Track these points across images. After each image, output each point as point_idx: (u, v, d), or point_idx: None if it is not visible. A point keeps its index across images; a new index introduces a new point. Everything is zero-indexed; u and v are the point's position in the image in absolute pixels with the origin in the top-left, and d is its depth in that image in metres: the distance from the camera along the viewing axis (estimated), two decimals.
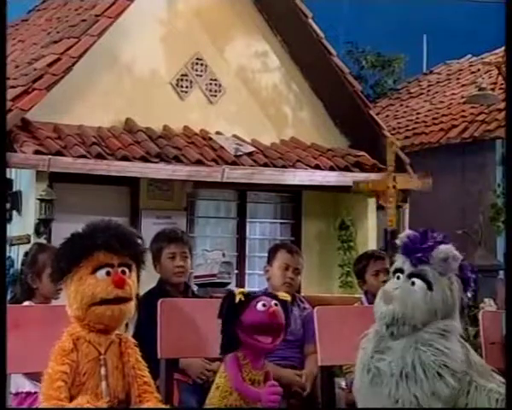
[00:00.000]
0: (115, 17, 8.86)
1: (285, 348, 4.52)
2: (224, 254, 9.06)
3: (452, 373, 2.95)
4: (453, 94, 13.14)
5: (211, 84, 9.63)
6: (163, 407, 3.10)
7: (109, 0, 9.03)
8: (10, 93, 7.94)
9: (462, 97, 12.23)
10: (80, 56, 8.57)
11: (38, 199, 8.07)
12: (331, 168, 9.47)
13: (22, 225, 8.31)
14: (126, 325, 3.20)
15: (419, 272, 3.08)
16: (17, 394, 4.01)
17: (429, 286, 3.06)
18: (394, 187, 8.24)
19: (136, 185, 9.11)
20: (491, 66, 12.06)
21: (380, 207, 10.06)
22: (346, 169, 9.55)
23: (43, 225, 8.10)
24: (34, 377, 3.69)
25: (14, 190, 8.41)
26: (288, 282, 4.80)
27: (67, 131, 8.41)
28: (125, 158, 8.32)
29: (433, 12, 19.12)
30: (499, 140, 10.85)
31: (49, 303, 4.20)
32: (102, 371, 2.90)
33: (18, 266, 7.49)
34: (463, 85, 13.35)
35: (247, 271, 10.00)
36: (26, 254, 4.51)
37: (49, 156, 7.92)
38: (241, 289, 3.46)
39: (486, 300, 7.24)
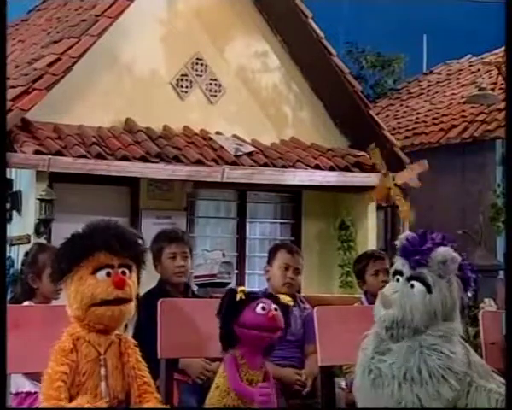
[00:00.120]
0: (115, 17, 8.86)
1: (285, 348, 4.52)
2: (223, 254, 9.06)
3: (456, 376, 2.95)
4: (453, 94, 13.14)
5: (211, 84, 9.63)
6: (163, 407, 3.10)
7: (109, 0, 9.03)
8: (10, 93, 7.94)
9: (462, 97, 12.23)
10: (80, 56, 8.57)
11: (38, 199, 8.07)
12: (331, 168, 9.47)
13: (22, 225, 8.31)
14: (126, 325, 3.20)
15: (418, 275, 3.08)
16: (17, 394, 4.01)
17: (428, 289, 3.05)
18: (395, 184, 8.25)
19: (136, 185, 9.11)
20: (491, 66, 12.07)
21: (380, 207, 10.08)
22: (346, 169, 9.55)
23: (43, 225, 8.10)
24: (34, 377, 3.69)
25: (14, 190, 8.41)
26: (289, 282, 4.80)
27: (67, 131, 8.41)
28: (125, 158, 8.32)
29: (433, 12, 19.13)
30: (499, 140, 10.85)
31: (50, 303, 4.20)
32: (102, 371, 2.90)
33: (18, 266, 7.50)
34: (463, 85, 13.35)
35: (247, 271, 10.00)
36: (27, 254, 4.51)
37: (49, 156, 7.92)
38: (243, 288, 3.46)
39: (486, 300, 7.24)
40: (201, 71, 9.57)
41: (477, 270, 3.27)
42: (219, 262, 8.84)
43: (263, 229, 10.32)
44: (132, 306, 3.00)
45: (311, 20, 9.87)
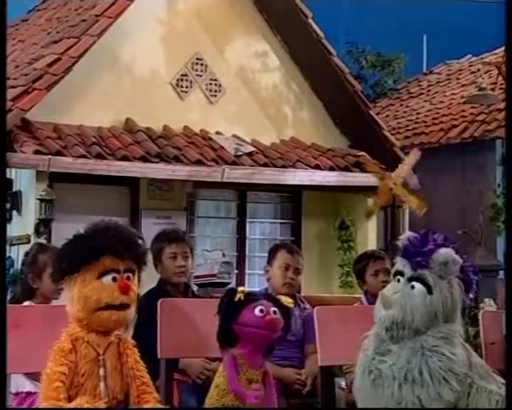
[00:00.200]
0: (115, 17, 8.86)
1: (285, 348, 4.52)
2: (223, 254, 9.06)
3: (457, 378, 2.95)
4: (453, 94, 13.14)
5: (211, 84, 9.63)
6: (162, 407, 3.10)
7: (109, 0, 9.02)
8: (10, 93, 7.94)
9: (462, 97, 12.23)
10: (80, 56, 8.57)
11: (38, 199, 8.06)
12: (331, 168, 9.47)
13: (22, 225, 8.31)
14: (126, 325, 3.20)
15: (419, 276, 3.07)
16: (17, 394, 4.01)
17: (429, 290, 3.05)
18: (391, 189, 8.25)
19: (136, 185, 9.11)
20: (491, 66, 12.07)
21: (380, 207, 10.07)
22: (346, 169, 9.55)
23: (43, 225, 8.10)
24: (34, 376, 3.69)
25: (14, 190, 8.41)
26: (289, 282, 4.80)
27: (67, 131, 8.41)
28: (125, 158, 8.32)
29: (433, 12, 19.12)
30: (499, 140, 10.86)
31: (50, 303, 4.20)
32: (101, 371, 2.90)
33: (18, 266, 7.50)
34: (463, 85, 13.35)
35: (247, 271, 10.00)
36: (27, 254, 4.51)
37: (49, 156, 7.92)
38: (243, 288, 3.45)
39: (486, 300, 7.24)
40: (201, 71, 9.57)
41: (477, 270, 3.26)
42: (219, 262, 8.84)
43: (263, 229, 10.32)
44: (134, 308, 3.01)
45: (311, 20, 9.87)
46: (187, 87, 9.49)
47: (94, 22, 8.85)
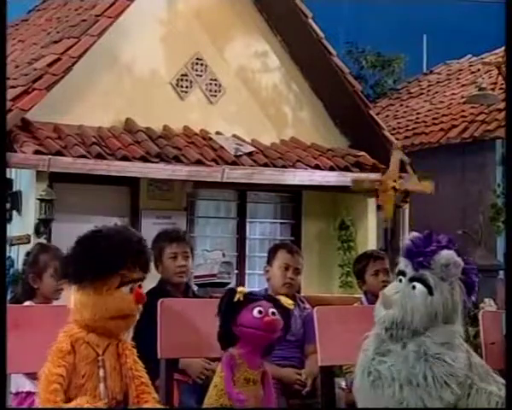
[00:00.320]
0: (115, 17, 8.86)
1: (285, 348, 4.52)
2: (223, 254, 9.07)
3: (457, 380, 2.95)
4: (453, 94, 13.14)
5: (211, 84, 9.63)
6: (162, 407, 3.10)
7: (109, 0, 9.03)
8: (10, 93, 7.94)
9: (462, 97, 12.23)
10: (80, 56, 8.57)
11: (38, 199, 8.07)
12: (331, 168, 9.47)
13: (22, 225, 8.31)
14: None
15: (420, 277, 3.07)
16: (17, 393, 4.01)
17: (430, 291, 3.05)
18: (394, 188, 8.22)
19: (136, 185, 9.11)
20: (491, 66, 12.06)
21: (380, 207, 10.07)
22: (346, 169, 9.55)
23: (43, 225, 8.10)
24: (34, 376, 3.69)
25: (14, 190, 8.41)
26: (289, 282, 4.80)
27: (67, 131, 8.41)
28: (125, 158, 8.32)
29: (433, 12, 19.11)
30: (499, 140, 10.85)
31: (50, 303, 4.20)
32: (101, 372, 2.90)
33: (18, 266, 7.52)
34: (463, 85, 13.35)
35: (247, 271, 10.00)
36: (28, 254, 4.51)
37: (49, 156, 7.92)
38: (243, 289, 3.45)
39: (486, 300, 7.23)
40: (201, 71, 9.57)
41: (477, 270, 3.26)
42: (219, 262, 8.85)
43: (263, 229, 10.32)
44: None
45: (311, 20, 9.87)
46: (187, 87, 9.50)
47: (94, 22, 8.85)
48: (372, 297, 4.95)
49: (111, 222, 3.08)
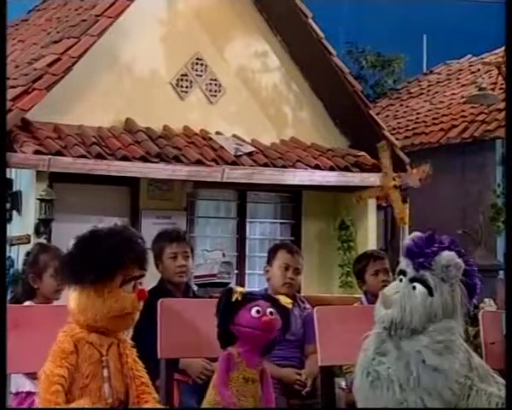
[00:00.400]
0: (115, 17, 8.87)
1: (285, 348, 4.52)
2: (223, 254, 9.07)
3: (457, 381, 2.96)
4: (453, 94, 13.14)
5: (211, 84, 9.63)
6: (162, 407, 3.10)
7: (109, 0, 9.03)
8: (10, 93, 7.94)
9: (462, 97, 12.23)
10: (80, 56, 8.57)
11: (38, 199, 8.07)
12: (331, 168, 9.47)
13: (22, 225, 8.31)
14: None
15: (420, 277, 3.06)
16: (17, 393, 4.01)
17: (430, 292, 3.04)
18: (395, 186, 8.21)
19: (136, 185, 9.12)
20: (491, 66, 12.07)
21: (380, 207, 10.08)
22: (346, 169, 9.56)
23: (43, 225, 8.10)
24: (34, 376, 3.69)
25: (14, 190, 8.41)
26: (289, 282, 4.80)
27: (67, 131, 8.41)
28: (125, 158, 8.33)
29: (433, 12, 19.12)
30: (499, 140, 10.86)
31: (50, 303, 4.20)
32: (105, 372, 2.89)
33: (18, 266, 7.52)
34: (463, 85, 13.35)
35: (247, 271, 10.01)
36: (28, 254, 4.51)
37: (49, 156, 7.93)
38: (241, 289, 3.44)
39: (486, 300, 7.23)
40: (201, 71, 9.57)
41: (477, 270, 3.25)
42: (219, 262, 8.85)
43: (263, 229, 10.32)
44: None
45: (311, 20, 9.87)
46: (187, 87, 9.50)
47: (94, 22, 8.85)
48: (372, 297, 4.95)
49: (111, 222, 3.06)
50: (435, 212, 10.71)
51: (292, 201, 10.36)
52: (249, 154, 9.17)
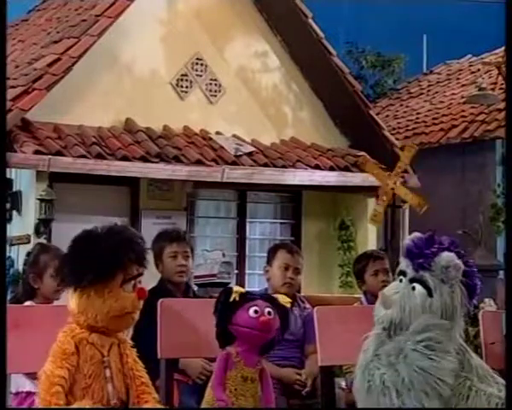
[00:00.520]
0: (115, 17, 8.87)
1: (285, 348, 4.52)
2: (223, 254, 9.07)
3: (451, 374, 2.95)
4: (453, 94, 13.14)
5: (211, 84, 9.63)
6: (162, 407, 3.10)
7: (109, 0, 9.03)
8: (10, 93, 7.94)
9: (462, 97, 12.23)
10: (80, 56, 8.57)
11: (38, 199, 8.07)
12: (331, 168, 9.47)
13: (22, 225, 8.32)
14: None
15: (420, 278, 3.06)
16: (17, 393, 4.01)
17: (429, 293, 3.04)
18: (393, 189, 8.17)
19: (136, 185, 9.12)
20: (491, 66, 12.06)
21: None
22: (346, 169, 9.56)
23: (43, 225, 8.10)
24: (34, 376, 3.69)
25: (14, 190, 8.42)
26: (289, 282, 4.79)
27: (67, 131, 8.42)
28: (125, 158, 8.33)
29: (433, 12, 19.11)
30: (499, 140, 10.85)
31: (51, 303, 4.20)
32: (107, 373, 2.89)
33: (18, 266, 7.52)
34: (463, 85, 13.35)
35: (247, 271, 10.01)
36: (29, 254, 4.51)
37: (49, 156, 7.93)
38: (238, 289, 3.43)
39: (486, 300, 7.23)
40: (201, 71, 9.58)
41: (477, 270, 3.25)
42: (219, 262, 8.85)
43: (263, 229, 10.32)
44: None
45: (311, 20, 9.87)
46: (187, 87, 9.50)
47: (94, 22, 8.85)
48: (372, 297, 4.95)
49: (111, 222, 3.06)
50: (435, 212, 10.69)
51: (292, 201, 10.36)
52: (249, 154, 9.17)
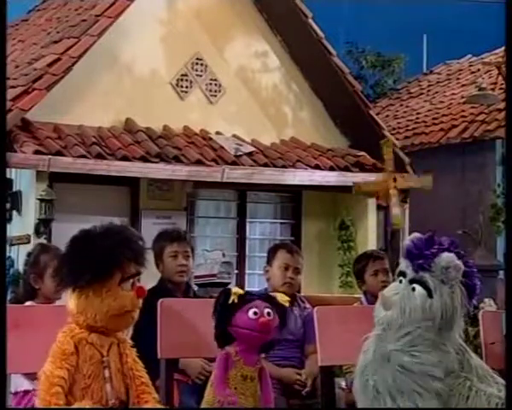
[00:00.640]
0: (115, 17, 8.87)
1: (285, 348, 4.53)
2: (223, 254, 9.07)
3: (446, 369, 2.96)
4: (453, 94, 13.14)
5: (211, 84, 9.63)
6: (162, 407, 3.10)
7: (109, 0, 9.03)
8: (10, 93, 7.94)
9: (462, 97, 12.23)
10: (80, 56, 8.58)
11: (38, 199, 8.07)
12: (331, 168, 9.47)
13: (22, 225, 8.31)
14: None
15: (420, 279, 3.05)
16: (16, 393, 4.01)
17: (429, 294, 3.04)
18: (395, 187, 8.17)
19: (136, 185, 9.12)
20: (491, 66, 12.07)
21: (380, 207, 10.07)
22: (346, 169, 9.56)
23: (43, 225, 8.10)
24: (34, 377, 3.69)
25: (14, 190, 8.42)
26: (289, 282, 4.79)
27: (67, 131, 8.42)
28: (125, 158, 8.33)
29: (433, 12, 19.13)
30: (499, 140, 10.86)
31: (51, 304, 4.20)
32: (106, 373, 2.89)
33: (18, 266, 7.52)
34: (463, 85, 13.35)
35: (247, 271, 10.00)
36: (29, 254, 4.51)
37: (49, 156, 7.93)
38: (237, 290, 3.42)
39: (486, 300, 7.23)
40: (201, 71, 9.58)
41: (477, 270, 3.25)
42: (219, 262, 8.85)
43: (263, 229, 10.32)
44: None
45: (311, 20, 9.87)
46: (187, 87, 9.50)
47: (94, 22, 8.86)
48: (371, 297, 4.95)
49: (109, 222, 3.06)
50: (435, 212, 10.71)
51: (292, 201, 10.36)
52: (249, 154, 9.17)
